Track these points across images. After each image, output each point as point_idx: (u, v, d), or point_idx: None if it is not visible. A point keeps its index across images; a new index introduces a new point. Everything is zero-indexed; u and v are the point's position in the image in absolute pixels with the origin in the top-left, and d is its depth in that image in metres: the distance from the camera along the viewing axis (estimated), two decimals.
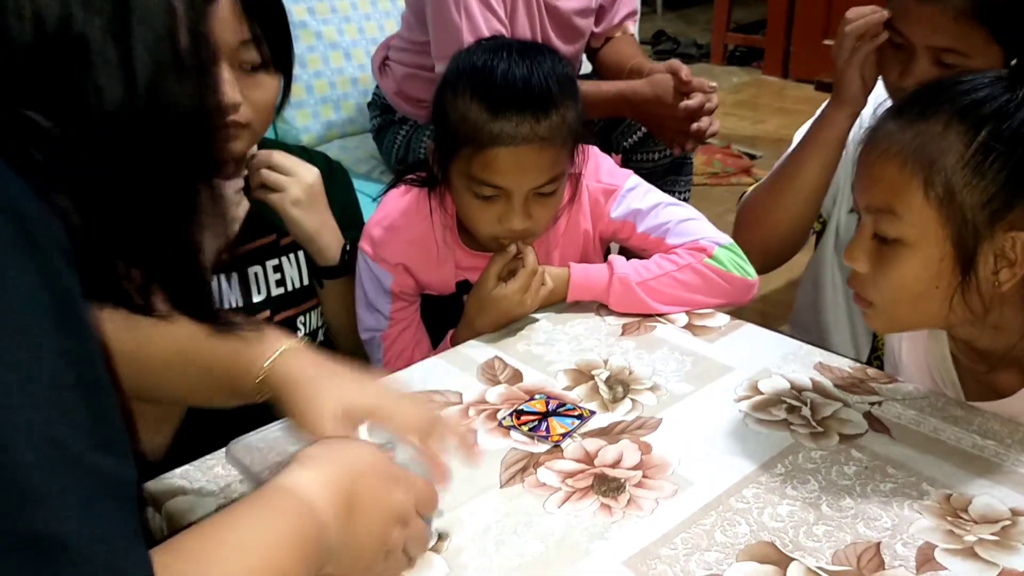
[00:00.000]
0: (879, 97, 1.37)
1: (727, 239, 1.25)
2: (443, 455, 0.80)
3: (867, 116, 1.37)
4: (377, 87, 2.00)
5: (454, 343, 1.19)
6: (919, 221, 0.91)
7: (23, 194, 0.44)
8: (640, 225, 1.27)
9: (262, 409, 0.91)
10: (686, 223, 1.26)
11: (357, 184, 1.46)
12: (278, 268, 1.25)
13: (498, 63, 1.12)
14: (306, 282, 1.28)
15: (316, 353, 0.82)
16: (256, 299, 1.22)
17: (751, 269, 1.25)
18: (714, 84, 1.79)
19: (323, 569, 0.62)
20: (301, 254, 1.27)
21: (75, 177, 0.47)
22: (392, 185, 1.30)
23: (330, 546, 0.62)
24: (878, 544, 0.80)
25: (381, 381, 0.84)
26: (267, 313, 1.23)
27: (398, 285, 1.26)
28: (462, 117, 1.12)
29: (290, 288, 1.26)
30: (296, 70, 1.96)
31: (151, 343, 0.79)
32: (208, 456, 0.92)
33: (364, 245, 1.26)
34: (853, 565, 0.78)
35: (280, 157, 1.19)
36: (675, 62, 1.78)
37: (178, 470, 0.90)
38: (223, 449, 0.87)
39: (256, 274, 1.23)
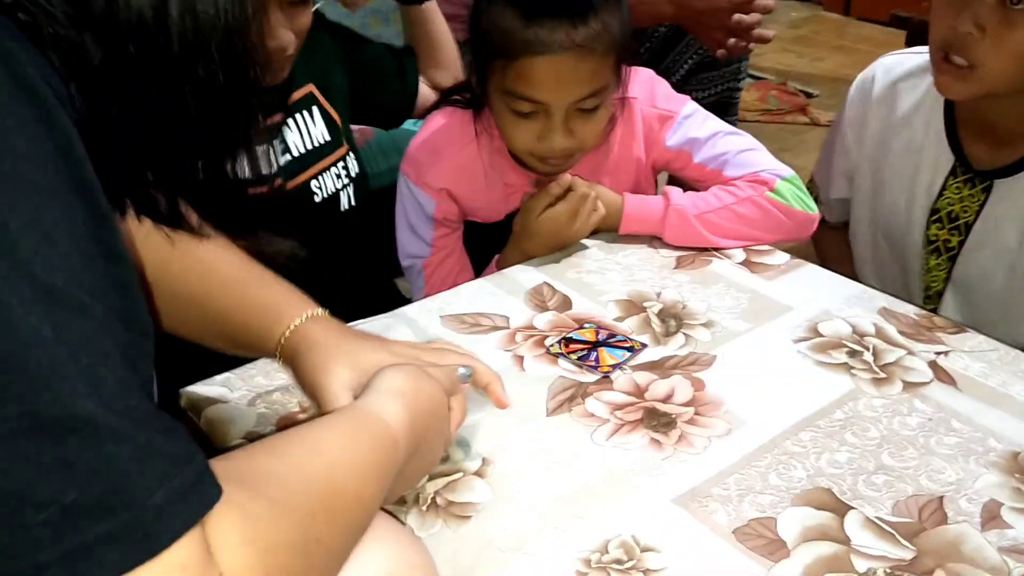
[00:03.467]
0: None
1: (788, 171, 1.19)
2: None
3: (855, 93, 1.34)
4: None
5: (500, 267, 1.16)
6: None
7: (13, 37, 0.40)
8: (697, 155, 1.21)
9: None
10: (746, 154, 1.20)
11: None
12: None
13: None
14: (315, 143, 1.25)
15: (339, 323, 0.77)
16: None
17: (812, 203, 1.19)
18: None
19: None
20: (306, 113, 1.24)
21: (94, 91, 0.43)
22: (435, 106, 1.25)
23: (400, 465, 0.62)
24: (941, 498, 0.77)
25: (403, 344, 0.79)
26: (279, 181, 1.21)
27: (441, 211, 1.21)
28: (495, 26, 1.05)
29: (295, 154, 1.23)
30: None
31: (172, 272, 0.75)
32: (249, 364, 0.90)
33: (406, 168, 1.21)
34: (915, 517, 0.74)
35: None
36: None
37: (218, 377, 0.88)
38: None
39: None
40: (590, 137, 1.12)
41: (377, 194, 1.38)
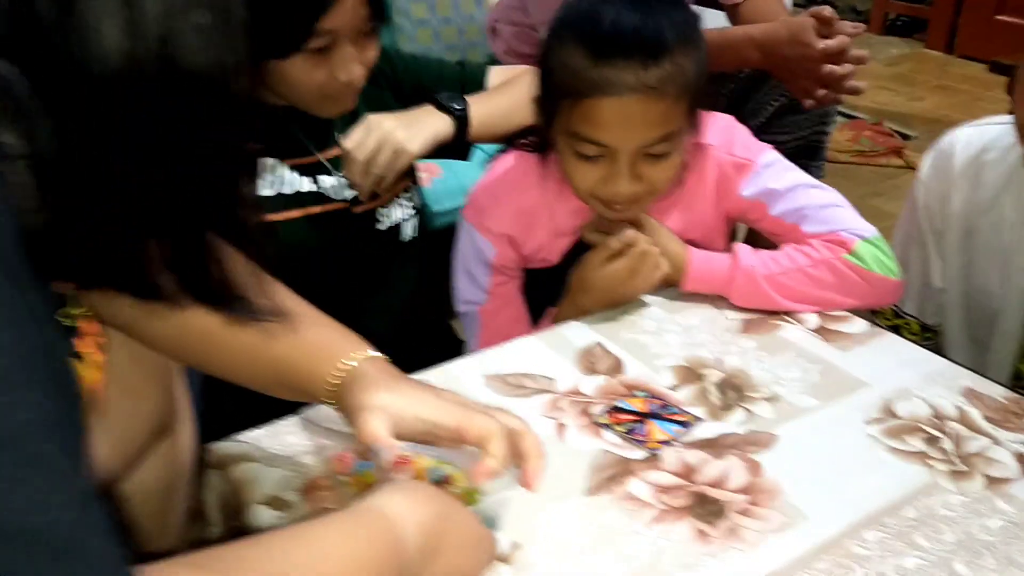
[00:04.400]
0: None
1: (872, 231, 1.10)
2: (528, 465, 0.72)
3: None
4: (491, 53, 1.91)
5: (555, 321, 1.10)
6: None
7: None
8: (774, 208, 1.13)
9: None
10: (828, 210, 1.12)
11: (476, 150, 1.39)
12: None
13: (607, 8, 1.00)
14: None
15: (395, 368, 0.74)
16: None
17: (896, 267, 1.10)
18: (861, 27, 1.58)
19: None
20: None
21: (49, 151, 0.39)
22: (502, 150, 1.21)
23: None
24: None
25: (453, 394, 0.75)
26: (346, 205, 1.19)
27: (500, 258, 1.17)
28: (563, 65, 1.01)
29: None
30: (424, 13, 1.88)
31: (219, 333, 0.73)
32: (280, 421, 0.86)
33: (468, 212, 1.18)
34: None
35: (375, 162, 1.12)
36: (819, 7, 1.58)
37: (247, 434, 0.85)
38: (296, 415, 0.81)
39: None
40: (659, 183, 1.06)
41: (440, 233, 1.35)
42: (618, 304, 1.08)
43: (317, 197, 1.16)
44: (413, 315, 1.31)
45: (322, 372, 0.71)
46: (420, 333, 1.31)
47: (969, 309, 1.26)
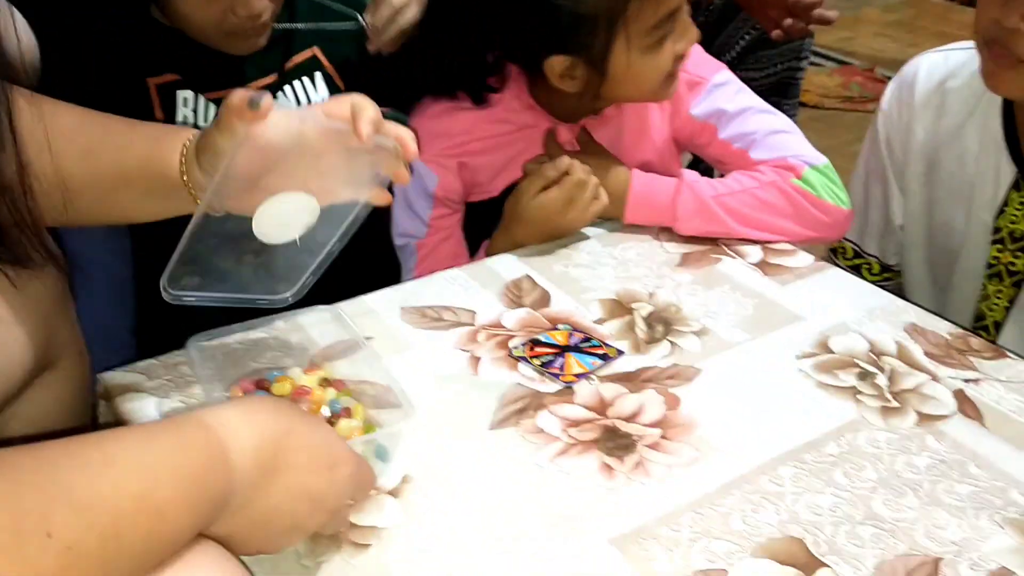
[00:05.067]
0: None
1: (821, 159, 1.06)
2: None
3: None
4: None
5: (489, 254, 1.06)
6: None
7: None
8: (723, 130, 1.09)
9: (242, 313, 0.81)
10: (778, 136, 1.07)
11: None
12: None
13: None
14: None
15: None
16: None
17: (846, 197, 1.05)
18: None
19: (214, 523, 0.50)
20: (307, 80, 1.15)
21: None
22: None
23: (232, 502, 0.50)
24: (937, 561, 0.64)
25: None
26: None
27: (443, 188, 1.11)
28: None
29: None
30: None
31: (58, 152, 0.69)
32: (177, 352, 0.82)
33: None
34: None
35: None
36: None
37: (140, 363, 0.81)
38: (191, 346, 0.77)
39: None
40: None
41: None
42: (553, 237, 1.04)
43: None
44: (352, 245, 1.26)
45: (175, 146, 0.70)
46: (361, 262, 1.26)
47: (931, 247, 1.21)
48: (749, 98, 1.10)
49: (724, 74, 1.11)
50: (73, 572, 0.39)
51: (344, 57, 1.19)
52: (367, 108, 0.69)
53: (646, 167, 1.08)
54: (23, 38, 0.67)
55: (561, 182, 1.00)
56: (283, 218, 0.71)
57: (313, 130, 0.69)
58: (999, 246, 1.10)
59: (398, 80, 1.18)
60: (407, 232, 1.14)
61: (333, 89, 1.17)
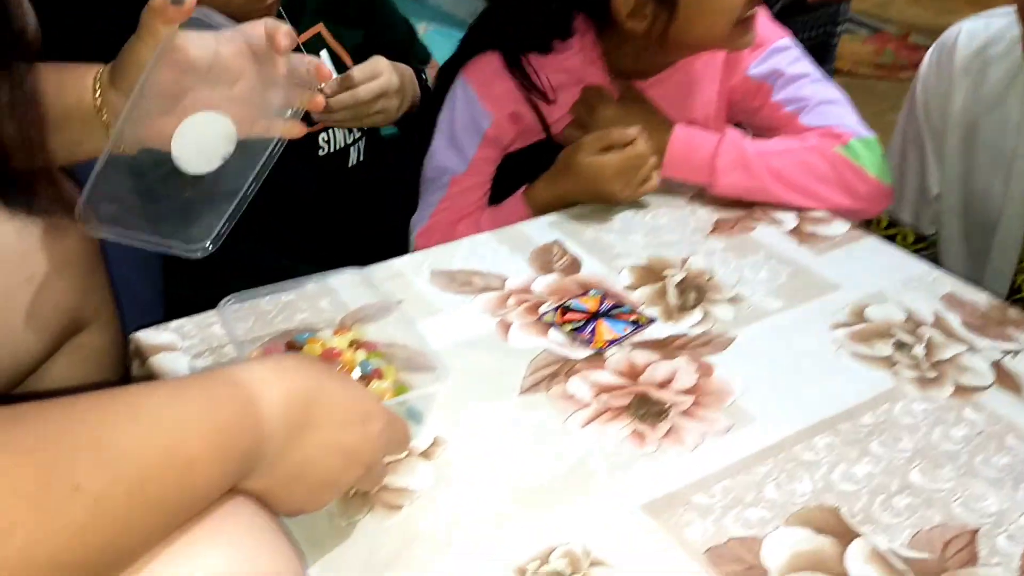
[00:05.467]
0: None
1: (870, 133, 1.04)
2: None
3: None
4: None
5: (526, 197, 1.05)
6: None
7: None
8: (777, 92, 1.07)
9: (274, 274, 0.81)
10: (830, 106, 1.05)
11: None
12: None
13: None
14: None
15: None
16: None
17: (889, 174, 1.04)
18: None
19: (248, 478, 0.50)
20: (324, 55, 1.14)
21: None
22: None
23: (265, 456, 0.50)
24: (975, 532, 0.63)
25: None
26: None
27: (496, 128, 1.09)
28: None
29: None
30: None
31: None
32: (209, 312, 0.82)
33: (472, 75, 1.09)
34: (935, 554, 0.61)
35: (359, 74, 1.04)
36: None
37: (173, 323, 0.81)
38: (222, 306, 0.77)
39: None
40: None
41: (386, 144, 1.28)
42: (596, 201, 1.02)
43: None
44: (359, 252, 1.25)
45: (88, 77, 0.69)
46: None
47: (967, 217, 1.18)
48: (808, 66, 1.09)
49: (787, 40, 1.10)
50: (100, 524, 0.39)
51: (352, 43, 1.17)
52: (283, 25, 0.68)
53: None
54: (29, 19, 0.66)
55: (624, 150, 0.99)
56: (202, 144, 0.69)
57: (229, 51, 0.68)
58: None
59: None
60: (444, 166, 1.11)
61: (340, 68, 1.15)
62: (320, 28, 1.14)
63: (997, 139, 1.11)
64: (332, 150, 1.15)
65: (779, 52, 1.08)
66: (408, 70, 1.15)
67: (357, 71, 1.04)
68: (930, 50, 1.18)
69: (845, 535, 0.62)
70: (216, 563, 0.44)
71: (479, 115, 1.08)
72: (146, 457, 0.42)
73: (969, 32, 1.12)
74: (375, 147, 1.22)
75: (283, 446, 0.50)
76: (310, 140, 1.13)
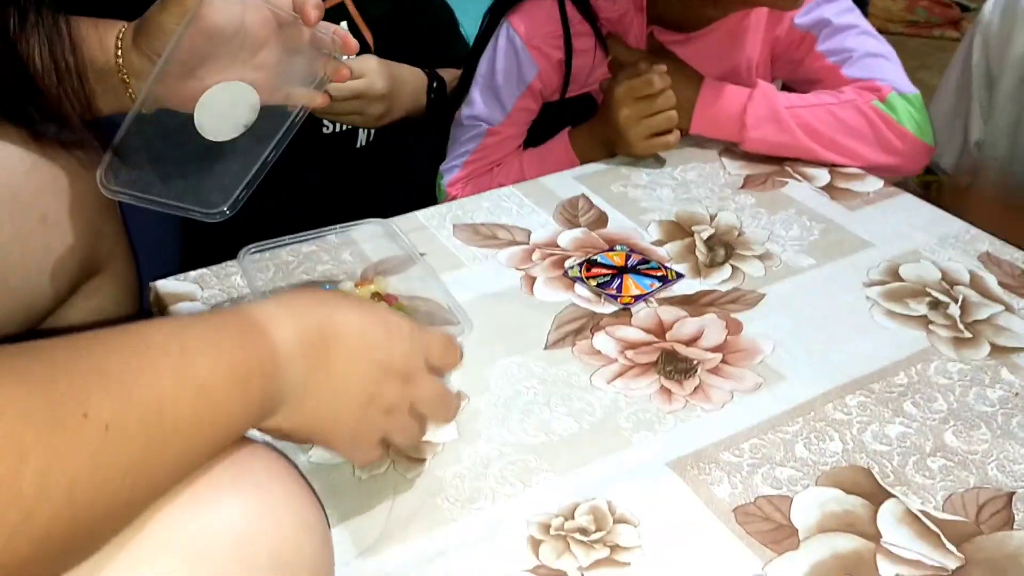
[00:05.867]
0: None
1: (912, 89, 1.01)
2: None
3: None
4: None
5: (572, 138, 1.04)
6: None
7: None
8: (822, 42, 1.04)
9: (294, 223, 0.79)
10: (875, 59, 1.02)
11: None
12: None
13: None
14: None
15: None
16: None
17: (931, 132, 1.01)
18: None
19: (277, 415, 0.49)
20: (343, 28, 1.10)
21: None
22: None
23: (287, 391, 0.49)
24: (1011, 495, 0.61)
25: None
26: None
27: (542, 80, 1.06)
28: None
29: None
30: None
31: None
32: (229, 262, 0.81)
33: (519, 21, 1.05)
34: (970, 517, 0.60)
35: (335, 87, 0.99)
36: None
37: (192, 273, 0.80)
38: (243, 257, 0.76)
39: None
40: None
41: (399, 128, 1.25)
42: (618, 146, 1.00)
43: None
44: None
45: (112, 27, 0.69)
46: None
47: (1012, 170, 1.14)
48: (856, 18, 1.05)
49: None
50: (114, 452, 0.38)
51: (380, 13, 1.12)
52: None
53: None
54: None
55: (660, 115, 0.97)
56: (224, 112, 0.68)
57: (255, 19, 0.67)
58: None
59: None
60: (480, 116, 1.09)
61: (360, 42, 1.11)
62: None
63: None
64: (338, 129, 1.11)
65: (828, 2, 1.04)
66: (413, 78, 1.09)
67: None
68: None
69: (877, 496, 0.61)
70: (238, 511, 0.43)
71: (525, 65, 1.05)
72: (157, 383, 0.41)
73: None
74: (386, 130, 1.17)
75: (305, 379, 0.49)
76: (313, 118, 1.09)
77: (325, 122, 1.11)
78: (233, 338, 0.45)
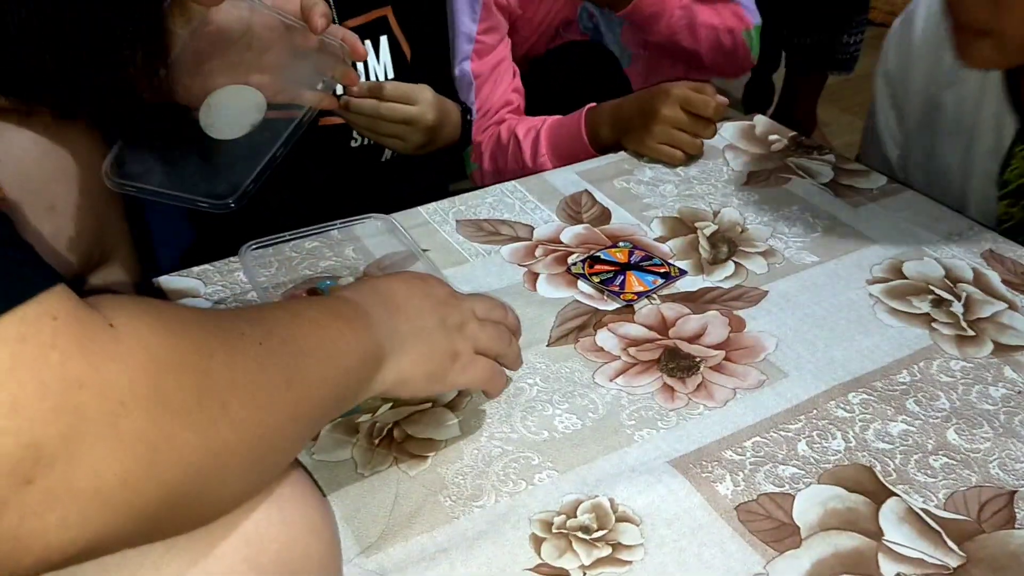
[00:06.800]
0: None
1: (758, 20, 1.24)
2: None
3: None
4: None
5: (588, 119, 1.06)
6: None
7: None
8: None
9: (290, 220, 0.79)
10: None
11: None
12: None
13: None
14: (373, 79, 1.07)
15: None
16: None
17: (757, 51, 1.25)
18: None
19: (383, 369, 0.53)
20: (369, 44, 1.07)
21: None
22: None
23: (384, 340, 0.53)
24: (1013, 494, 0.61)
25: None
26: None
27: None
28: None
29: (340, 90, 1.08)
30: None
31: None
32: (232, 258, 0.81)
33: None
34: (971, 515, 0.60)
35: (392, 90, 0.98)
36: None
37: (196, 268, 0.80)
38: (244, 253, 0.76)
39: None
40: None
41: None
42: (640, 124, 1.01)
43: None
44: None
45: None
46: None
47: (931, 193, 1.11)
48: None
49: None
50: (217, 393, 0.40)
51: (420, 19, 1.10)
52: (319, 3, 0.68)
53: None
54: None
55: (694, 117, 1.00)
56: (230, 113, 0.69)
57: (261, 22, 0.68)
58: (1008, 201, 1.01)
59: None
60: (462, 65, 1.15)
61: (397, 55, 1.08)
62: (387, 12, 1.07)
63: (957, 113, 1.03)
64: (367, 142, 1.09)
65: None
66: (455, 112, 1.09)
67: (391, 87, 0.98)
68: (891, 29, 1.11)
69: (879, 494, 0.61)
70: (246, 512, 0.43)
71: None
72: (275, 352, 0.45)
73: (928, 5, 1.05)
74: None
75: (392, 328, 0.54)
76: (343, 128, 1.06)
77: (355, 134, 1.09)
78: (342, 308, 0.52)
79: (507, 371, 0.64)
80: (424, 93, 1.00)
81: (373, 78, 1.06)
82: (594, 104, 1.07)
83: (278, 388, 0.43)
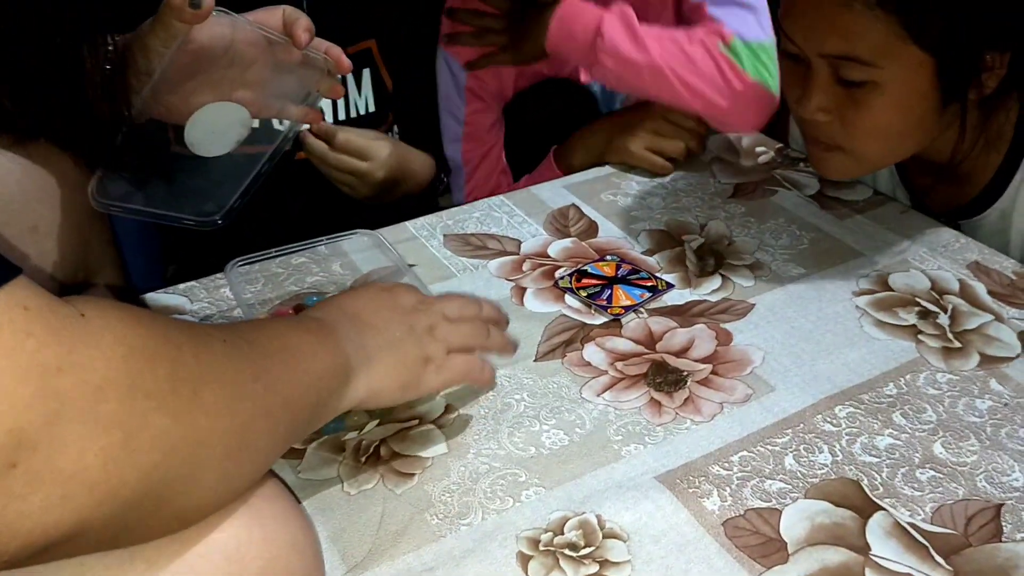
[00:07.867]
0: None
1: (766, 37, 0.96)
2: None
3: None
4: None
5: (557, 155, 1.06)
6: (894, 61, 0.77)
7: None
8: None
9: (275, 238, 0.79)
10: (736, 6, 0.97)
11: None
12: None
13: None
14: (356, 112, 1.08)
15: None
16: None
17: (774, 80, 0.95)
18: None
19: (352, 383, 0.55)
20: (351, 76, 1.08)
21: None
22: None
23: (352, 354, 0.55)
24: (999, 507, 0.61)
25: None
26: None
27: (474, 78, 1.10)
28: None
29: (353, 115, 1.08)
30: None
31: None
32: (218, 275, 0.81)
33: (444, 41, 1.09)
34: (958, 529, 0.60)
35: (343, 141, 0.99)
36: None
37: (182, 285, 0.80)
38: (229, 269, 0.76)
39: None
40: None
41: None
42: (612, 153, 1.01)
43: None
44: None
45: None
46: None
47: None
48: None
49: None
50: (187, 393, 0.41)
51: (404, 53, 1.10)
52: (301, 17, 0.68)
53: None
54: None
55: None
56: (214, 130, 0.69)
57: (243, 38, 0.68)
58: None
59: None
60: (452, 134, 1.13)
61: (379, 88, 1.08)
62: (372, 44, 1.07)
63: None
64: None
65: None
66: (422, 168, 1.09)
67: (344, 138, 0.98)
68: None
69: (866, 508, 0.61)
70: (228, 529, 0.43)
71: (455, 70, 1.10)
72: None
73: None
74: None
75: (359, 342, 0.56)
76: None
77: None
78: (309, 327, 0.54)
79: (497, 381, 0.65)
80: (381, 151, 1.00)
81: (354, 110, 1.06)
82: (556, 146, 1.07)
83: (246, 380, 0.44)
